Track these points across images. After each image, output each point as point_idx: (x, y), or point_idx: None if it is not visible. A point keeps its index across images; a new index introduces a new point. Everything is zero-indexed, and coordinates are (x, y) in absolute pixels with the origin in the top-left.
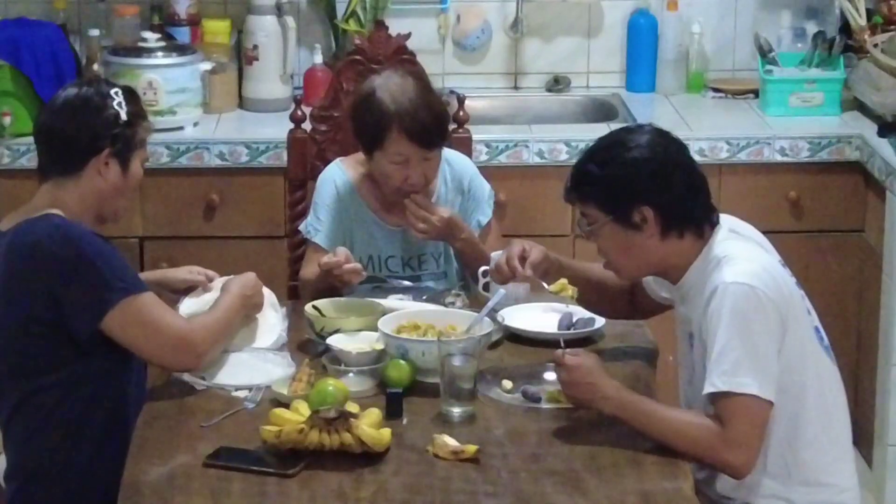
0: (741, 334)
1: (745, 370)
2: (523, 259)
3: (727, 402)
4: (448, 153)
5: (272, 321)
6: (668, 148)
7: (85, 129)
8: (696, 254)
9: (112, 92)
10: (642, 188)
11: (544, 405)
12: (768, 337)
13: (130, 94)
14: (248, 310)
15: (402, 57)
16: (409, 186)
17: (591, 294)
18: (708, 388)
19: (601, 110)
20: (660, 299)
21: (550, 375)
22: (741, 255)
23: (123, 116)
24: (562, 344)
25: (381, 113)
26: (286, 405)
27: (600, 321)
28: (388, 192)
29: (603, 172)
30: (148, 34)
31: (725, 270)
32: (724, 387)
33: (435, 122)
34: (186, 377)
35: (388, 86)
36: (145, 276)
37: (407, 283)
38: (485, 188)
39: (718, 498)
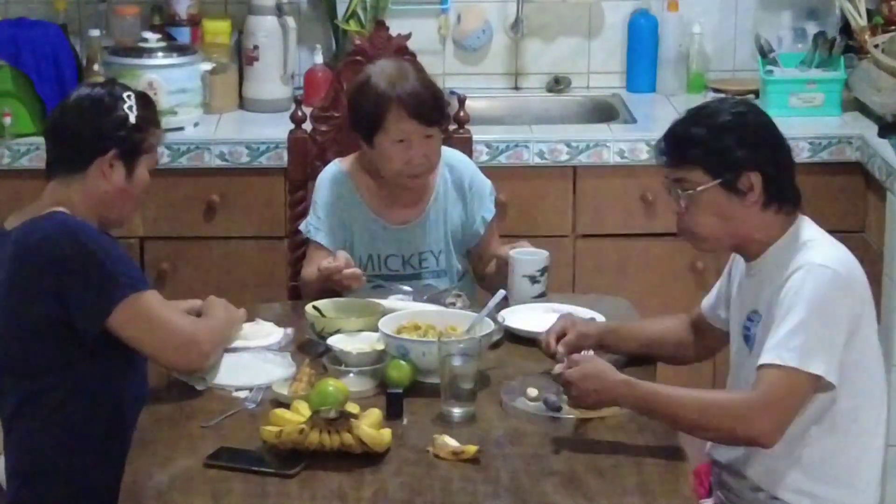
0: (820, 317)
1: (817, 351)
2: (562, 336)
3: (783, 373)
4: (447, 152)
5: (269, 328)
6: (767, 118)
7: (91, 128)
8: (782, 233)
9: (125, 95)
10: (752, 152)
11: (565, 415)
12: (843, 324)
13: (145, 101)
14: (235, 323)
15: (402, 57)
16: (412, 168)
17: (654, 352)
18: (772, 359)
19: (602, 111)
20: (718, 323)
21: None
22: (828, 241)
23: (132, 120)
24: (557, 359)
25: (378, 95)
26: (287, 405)
27: (601, 320)
28: (390, 178)
29: (709, 132)
30: (148, 34)
31: (812, 252)
32: (792, 363)
33: (433, 98)
34: (187, 377)
35: (384, 70)
36: None
37: (407, 287)
38: (486, 185)
39: (743, 491)
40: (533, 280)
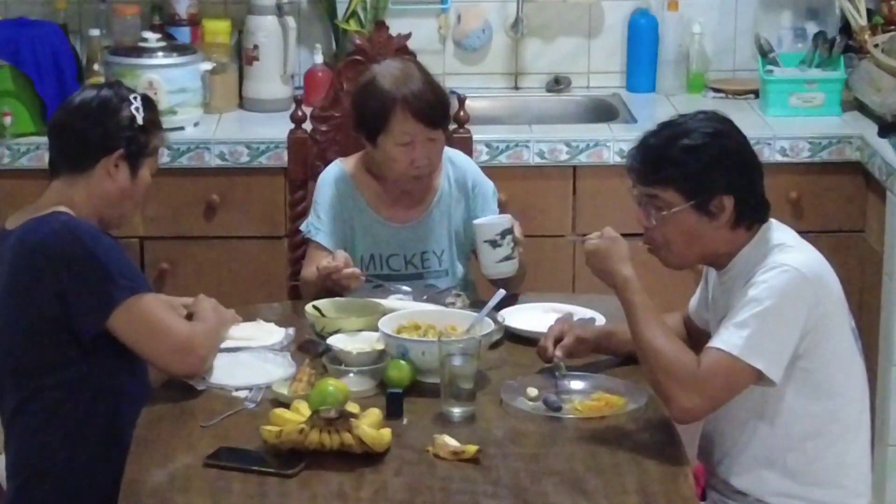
0: (774, 313)
1: (762, 346)
2: (559, 340)
3: (723, 359)
4: (449, 152)
5: (270, 328)
6: (741, 136)
7: (99, 128)
8: (748, 240)
9: (131, 96)
10: (727, 176)
11: (565, 415)
12: (798, 324)
13: (149, 103)
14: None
15: (406, 58)
16: (415, 170)
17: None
18: (719, 344)
19: (601, 110)
20: (703, 324)
21: (576, 384)
22: (796, 245)
23: (139, 121)
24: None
25: (384, 95)
26: (286, 405)
27: (601, 319)
28: (393, 179)
29: (694, 157)
30: (148, 34)
31: (778, 255)
32: (735, 351)
33: (438, 100)
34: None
35: (389, 71)
36: None
37: (406, 287)
38: (489, 186)
39: (731, 494)
40: (494, 244)
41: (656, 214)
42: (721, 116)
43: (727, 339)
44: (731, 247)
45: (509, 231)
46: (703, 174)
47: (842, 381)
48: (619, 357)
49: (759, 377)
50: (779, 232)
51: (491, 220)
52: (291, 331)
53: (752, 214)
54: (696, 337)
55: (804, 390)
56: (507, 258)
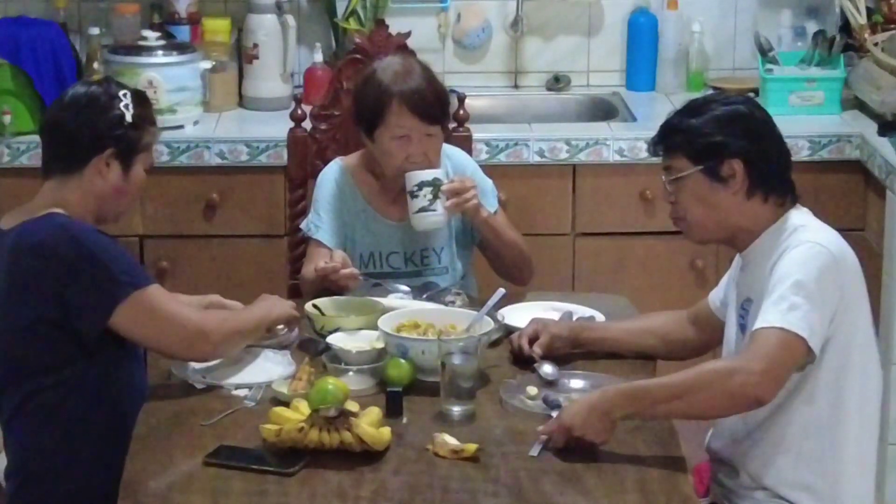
0: (807, 287)
1: (801, 315)
2: (534, 339)
3: (770, 332)
4: (448, 149)
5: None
6: (762, 112)
7: (88, 127)
8: (772, 222)
9: (121, 93)
10: (735, 140)
11: None
12: (831, 300)
13: (140, 98)
14: (269, 322)
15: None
16: (411, 165)
17: (633, 346)
18: (761, 323)
19: (601, 109)
20: (720, 314)
21: (576, 382)
22: (820, 226)
23: (129, 118)
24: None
25: (382, 89)
26: (286, 404)
27: (600, 317)
28: (390, 174)
29: (695, 121)
30: (148, 33)
31: (803, 234)
32: (781, 323)
33: (435, 96)
34: (188, 372)
35: (390, 66)
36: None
37: (405, 287)
38: (487, 182)
39: (739, 489)
40: (412, 195)
41: (671, 182)
42: (747, 97)
43: (769, 316)
44: (752, 223)
45: (428, 184)
46: (709, 138)
47: (860, 368)
48: (605, 352)
49: (807, 349)
50: (801, 216)
51: (415, 172)
52: (291, 329)
53: (768, 184)
54: (706, 329)
55: (824, 375)
56: (423, 210)
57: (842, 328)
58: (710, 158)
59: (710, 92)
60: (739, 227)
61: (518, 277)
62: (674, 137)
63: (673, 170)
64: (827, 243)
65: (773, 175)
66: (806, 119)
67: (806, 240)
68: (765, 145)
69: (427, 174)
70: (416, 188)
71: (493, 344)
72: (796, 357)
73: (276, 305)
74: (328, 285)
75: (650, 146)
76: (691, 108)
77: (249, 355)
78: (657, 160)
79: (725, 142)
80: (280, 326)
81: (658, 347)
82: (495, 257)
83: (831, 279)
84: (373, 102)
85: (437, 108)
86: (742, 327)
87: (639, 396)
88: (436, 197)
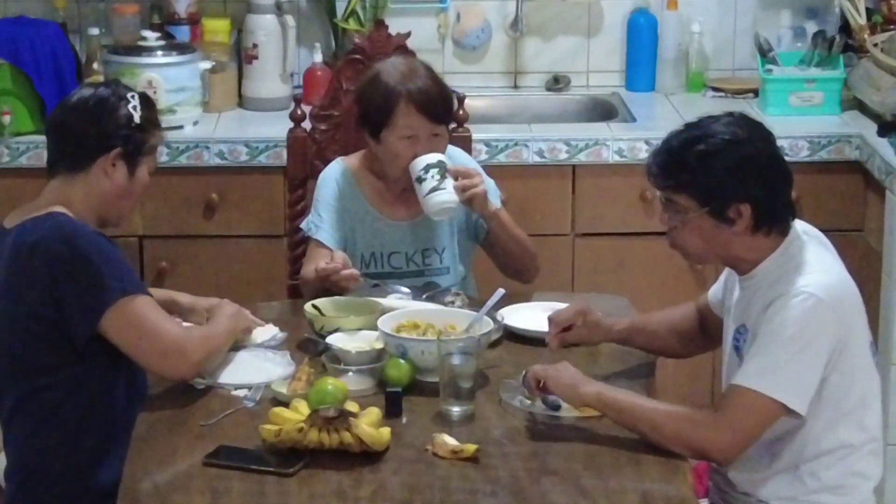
0: (797, 347)
1: (787, 381)
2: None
3: (746, 395)
4: (449, 150)
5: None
6: (768, 144)
7: (96, 127)
8: (773, 249)
9: (128, 95)
10: (746, 188)
11: (564, 414)
12: (822, 355)
13: (147, 101)
14: (239, 333)
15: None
16: None
17: (660, 343)
18: (741, 381)
19: (601, 109)
20: (722, 312)
21: None
22: (818, 264)
23: (137, 119)
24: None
25: (388, 89)
26: (286, 404)
27: None
28: (395, 175)
29: (708, 164)
30: (148, 33)
31: (800, 277)
32: (759, 388)
33: (441, 95)
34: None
35: (394, 66)
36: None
37: (405, 289)
38: (490, 181)
39: (736, 496)
40: (420, 180)
41: (674, 217)
42: (749, 120)
43: (748, 375)
44: (753, 253)
45: (434, 165)
46: (717, 183)
47: (855, 393)
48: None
49: (787, 410)
50: (801, 245)
51: (419, 158)
52: (279, 331)
53: (772, 220)
54: (712, 325)
55: (823, 406)
56: (434, 190)
57: (839, 363)
58: (717, 201)
59: (710, 94)
60: (739, 258)
61: (524, 274)
62: (680, 176)
63: (676, 205)
64: (820, 290)
65: (780, 208)
66: (805, 119)
67: (802, 289)
68: (774, 187)
69: (431, 157)
70: (422, 172)
71: (493, 344)
72: (769, 419)
73: (238, 317)
74: (328, 286)
75: (650, 176)
76: (691, 139)
77: (249, 356)
78: (647, 178)
79: (733, 186)
80: (269, 336)
81: (679, 350)
82: (503, 254)
83: (825, 331)
84: (379, 103)
85: (443, 107)
86: (737, 349)
87: (615, 409)
88: (443, 177)
